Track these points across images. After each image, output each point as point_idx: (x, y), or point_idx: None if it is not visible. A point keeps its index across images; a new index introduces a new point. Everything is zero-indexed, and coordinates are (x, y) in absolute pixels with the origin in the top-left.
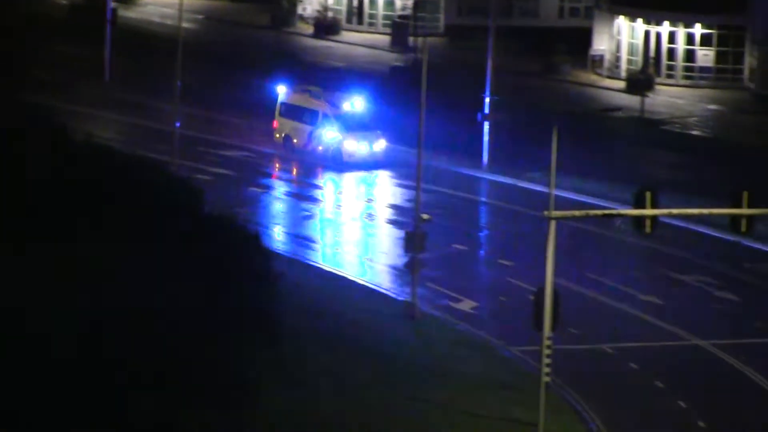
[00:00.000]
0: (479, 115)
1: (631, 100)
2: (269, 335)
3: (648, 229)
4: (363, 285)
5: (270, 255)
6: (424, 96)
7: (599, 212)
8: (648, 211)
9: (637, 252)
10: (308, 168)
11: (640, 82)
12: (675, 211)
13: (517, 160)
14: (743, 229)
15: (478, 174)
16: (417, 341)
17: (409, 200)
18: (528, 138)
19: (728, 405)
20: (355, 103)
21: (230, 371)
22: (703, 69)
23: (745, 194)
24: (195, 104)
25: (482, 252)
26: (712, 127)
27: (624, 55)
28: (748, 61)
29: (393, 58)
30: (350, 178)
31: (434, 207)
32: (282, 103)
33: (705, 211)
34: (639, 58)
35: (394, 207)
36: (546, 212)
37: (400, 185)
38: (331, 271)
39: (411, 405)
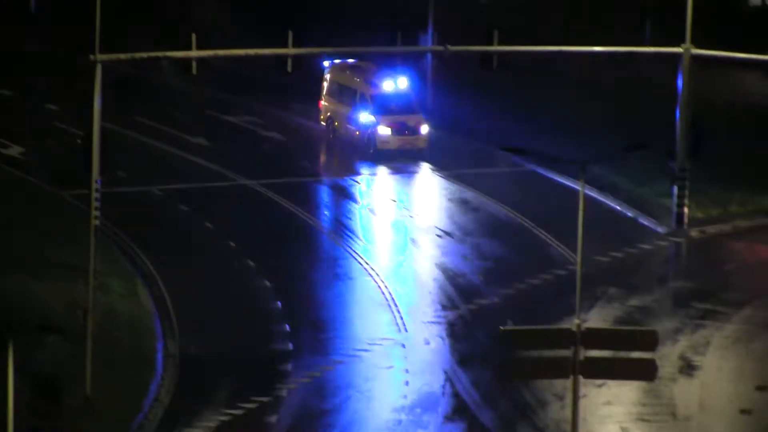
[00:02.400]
0: None
1: None
2: None
3: (194, 71)
4: None
5: None
6: None
7: (145, 54)
8: (194, 53)
9: (184, 95)
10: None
11: None
12: (221, 52)
13: None
14: (289, 68)
15: None
16: None
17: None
18: None
19: (275, 243)
20: (399, 83)
21: None
22: None
23: (290, 33)
24: None
25: (29, 97)
26: None
27: None
28: None
29: None
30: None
31: None
32: (329, 80)
33: (251, 51)
34: None
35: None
36: (92, 56)
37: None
38: None
39: None
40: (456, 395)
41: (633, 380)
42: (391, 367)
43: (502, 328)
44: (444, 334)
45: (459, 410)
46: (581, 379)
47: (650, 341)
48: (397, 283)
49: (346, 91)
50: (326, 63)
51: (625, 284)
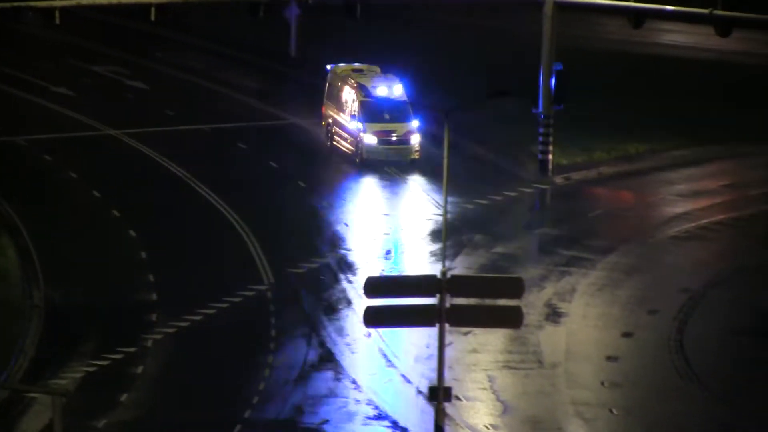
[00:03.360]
0: None
1: None
2: None
3: (57, 21)
4: None
5: None
6: None
7: (8, 5)
8: (57, 2)
9: (48, 45)
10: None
11: None
12: (85, 1)
13: None
14: (152, 17)
15: None
16: None
17: None
18: None
19: (140, 193)
20: (393, 89)
21: None
22: None
23: None
24: None
25: None
26: None
27: None
28: None
29: None
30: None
31: None
32: (328, 84)
33: (114, 0)
34: None
35: None
36: None
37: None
38: None
39: None
40: (322, 344)
41: (499, 328)
42: (257, 315)
43: (368, 276)
44: (310, 282)
45: (324, 359)
46: (447, 327)
47: (516, 289)
48: (264, 234)
49: (341, 96)
50: (329, 66)
51: (491, 232)
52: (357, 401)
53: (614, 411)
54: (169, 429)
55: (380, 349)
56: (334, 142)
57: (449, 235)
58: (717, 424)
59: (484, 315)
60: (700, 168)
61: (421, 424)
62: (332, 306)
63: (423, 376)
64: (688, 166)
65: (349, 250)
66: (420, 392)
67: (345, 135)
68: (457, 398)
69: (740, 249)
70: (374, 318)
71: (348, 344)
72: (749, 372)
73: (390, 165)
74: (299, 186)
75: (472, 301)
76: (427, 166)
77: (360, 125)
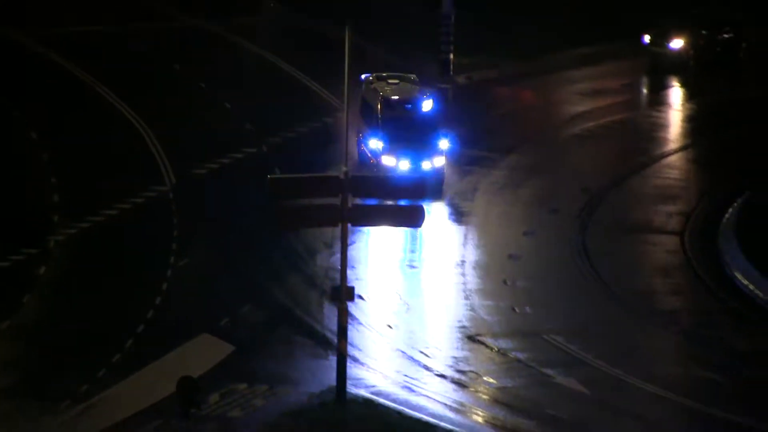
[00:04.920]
0: None
1: None
2: None
3: None
4: None
5: None
6: None
7: None
8: None
9: None
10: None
11: None
12: None
13: None
14: None
15: None
16: None
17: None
18: None
19: (40, 91)
20: (422, 105)
21: None
22: None
23: None
24: None
25: None
26: None
27: None
28: None
29: None
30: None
31: None
32: (361, 97)
33: None
34: None
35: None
36: None
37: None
38: None
39: None
40: (225, 245)
41: (401, 227)
42: (160, 214)
43: (269, 176)
44: (212, 182)
45: (228, 260)
46: (350, 226)
47: (418, 188)
48: (166, 133)
49: (368, 109)
50: (363, 76)
51: None
52: (261, 301)
53: (516, 309)
54: (72, 329)
55: (284, 249)
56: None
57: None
58: (614, 320)
59: (386, 214)
60: (601, 67)
61: (325, 324)
62: (237, 206)
63: (326, 276)
64: (590, 64)
65: (252, 150)
66: (323, 292)
67: (367, 153)
68: (360, 298)
69: (640, 148)
70: (283, 221)
71: (255, 242)
72: (644, 265)
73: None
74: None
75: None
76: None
77: (381, 145)
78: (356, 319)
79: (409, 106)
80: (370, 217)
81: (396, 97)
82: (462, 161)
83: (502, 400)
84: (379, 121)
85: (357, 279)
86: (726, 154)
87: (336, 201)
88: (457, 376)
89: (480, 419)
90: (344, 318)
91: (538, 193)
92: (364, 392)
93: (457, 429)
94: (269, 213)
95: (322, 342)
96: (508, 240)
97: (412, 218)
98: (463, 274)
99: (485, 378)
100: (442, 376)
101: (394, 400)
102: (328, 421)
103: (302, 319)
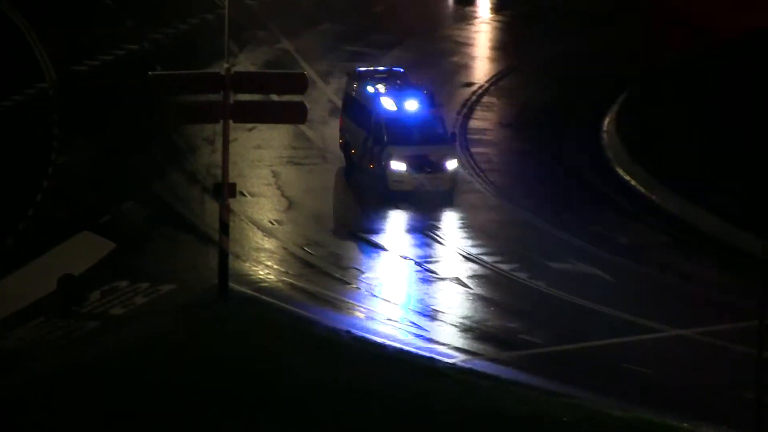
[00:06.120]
0: None
1: None
2: None
3: None
4: None
5: None
6: None
7: None
8: None
9: None
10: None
11: None
12: None
13: None
14: None
15: None
16: None
17: None
18: None
19: None
20: (427, 103)
21: None
22: None
23: None
24: None
25: None
26: None
27: None
28: None
29: None
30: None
31: None
32: (346, 94)
33: None
34: None
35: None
36: None
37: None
38: None
39: None
40: (105, 139)
41: (283, 123)
42: (40, 111)
43: (150, 73)
44: (93, 79)
45: (108, 152)
46: (231, 123)
47: (300, 84)
48: (46, 30)
49: (361, 109)
50: (348, 72)
51: (275, 27)
52: (143, 198)
53: (399, 206)
54: None
55: (166, 146)
56: (359, 166)
57: (233, 32)
58: (500, 219)
59: (268, 111)
60: None
61: (207, 222)
62: (118, 103)
63: (208, 173)
64: None
65: (134, 46)
66: (205, 189)
67: (367, 159)
68: (242, 194)
69: (522, 44)
70: (165, 118)
71: (136, 139)
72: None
73: (421, 196)
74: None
75: (256, 97)
76: None
77: (385, 148)
78: (238, 215)
79: (414, 104)
80: (253, 114)
81: (398, 94)
82: (343, 57)
83: (383, 295)
84: (381, 122)
85: (239, 176)
86: None
87: (218, 97)
88: (339, 272)
89: (361, 315)
90: (226, 214)
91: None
92: (246, 289)
93: (338, 326)
94: (150, 110)
95: (204, 239)
96: None
97: (294, 114)
98: (345, 171)
99: (367, 274)
100: (324, 272)
101: (276, 297)
102: (209, 318)
103: (184, 216)
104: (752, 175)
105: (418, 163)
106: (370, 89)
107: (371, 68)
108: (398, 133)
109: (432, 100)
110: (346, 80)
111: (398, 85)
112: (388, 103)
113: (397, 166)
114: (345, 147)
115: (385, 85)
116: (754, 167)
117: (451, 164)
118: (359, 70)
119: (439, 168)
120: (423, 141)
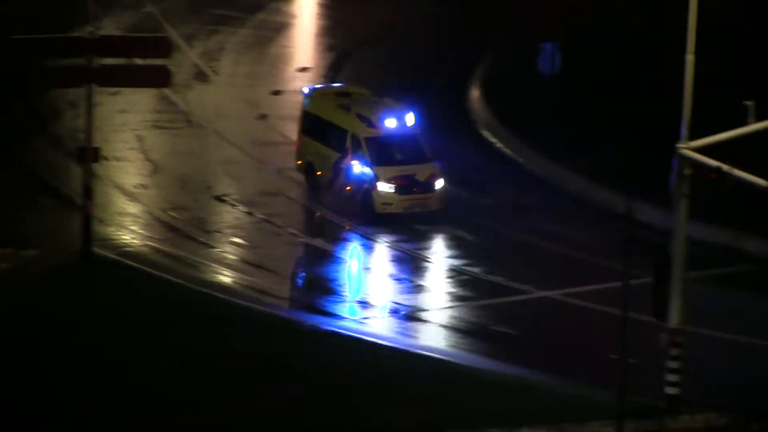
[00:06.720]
0: None
1: None
2: None
3: None
4: None
5: None
6: None
7: None
8: None
9: None
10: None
11: None
12: None
13: None
14: None
15: None
16: None
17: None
18: None
19: None
20: (405, 119)
21: None
22: None
23: None
24: None
25: None
26: None
27: None
28: None
29: None
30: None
31: None
32: (305, 113)
33: None
34: None
35: None
36: None
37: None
38: None
39: None
40: None
41: (148, 87)
42: None
43: (12, 36)
44: None
45: None
46: (95, 87)
47: (163, 48)
48: None
49: (331, 129)
50: (305, 89)
51: None
52: (4, 162)
53: (260, 168)
54: None
55: (28, 110)
56: (330, 189)
57: None
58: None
59: (132, 75)
60: None
61: (71, 186)
62: None
63: (71, 137)
64: None
65: None
66: (69, 153)
67: (341, 182)
68: (106, 159)
69: (390, 10)
70: (28, 82)
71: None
72: None
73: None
74: None
75: (120, 61)
76: None
77: (367, 170)
78: (102, 180)
79: (393, 122)
80: (116, 78)
81: (376, 114)
82: (208, 20)
83: (248, 259)
84: (362, 142)
85: (104, 140)
86: None
87: (82, 62)
88: (203, 236)
89: (227, 280)
90: (90, 179)
91: (284, 51)
92: (110, 254)
93: (204, 290)
94: (12, 74)
95: (68, 204)
96: (257, 99)
97: (158, 78)
98: (210, 135)
99: (232, 238)
100: (189, 236)
101: (141, 261)
102: (73, 282)
103: (47, 180)
104: (620, 139)
105: (406, 184)
106: (340, 108)
107: (326, 85)
108: (381, 154)
109: (414, 117)
110: (303, 99)
111: (375, 104)
112: (366, 122)
113: (384, 187)
114: (307, 168)
115: (352, 103)
116: (622, 133)
117: (439, 183)
118: (314, 88)
119: (427, 188)
120: (408, 160)
